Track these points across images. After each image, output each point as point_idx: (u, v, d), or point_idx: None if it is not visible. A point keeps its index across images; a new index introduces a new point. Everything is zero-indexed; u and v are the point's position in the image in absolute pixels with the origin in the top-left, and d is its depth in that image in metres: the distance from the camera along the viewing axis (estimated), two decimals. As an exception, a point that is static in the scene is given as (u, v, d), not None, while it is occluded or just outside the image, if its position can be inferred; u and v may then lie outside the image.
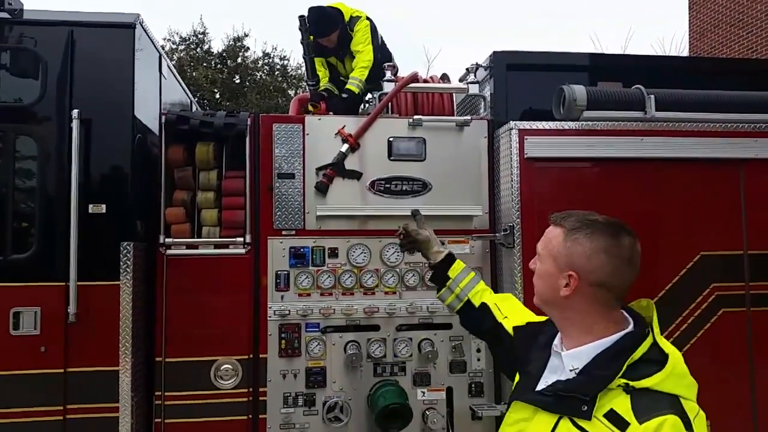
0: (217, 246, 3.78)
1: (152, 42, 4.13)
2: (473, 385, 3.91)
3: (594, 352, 1.65)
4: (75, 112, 3.50)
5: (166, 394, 3.68)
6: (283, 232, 3.85)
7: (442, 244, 2.93)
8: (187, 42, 22.95)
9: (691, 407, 1.54)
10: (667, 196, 3.93)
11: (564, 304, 1.72)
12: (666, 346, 1.65)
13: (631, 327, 1.68)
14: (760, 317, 3.95)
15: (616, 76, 4.21)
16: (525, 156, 3.82)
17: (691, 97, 4.01)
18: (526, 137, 3.83)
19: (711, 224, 3.96)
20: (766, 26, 12.77)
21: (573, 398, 1.59)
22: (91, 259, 3.50)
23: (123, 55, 3.66)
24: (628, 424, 1.51)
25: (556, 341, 1.79)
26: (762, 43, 12.85)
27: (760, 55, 12.77)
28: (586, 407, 1.57)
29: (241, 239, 3.78)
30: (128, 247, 3.54)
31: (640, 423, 1.49)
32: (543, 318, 2.00)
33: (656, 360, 1.59)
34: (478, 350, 3.93)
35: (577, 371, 1.65)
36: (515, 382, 1.94)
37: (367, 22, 4.86)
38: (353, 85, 4.65)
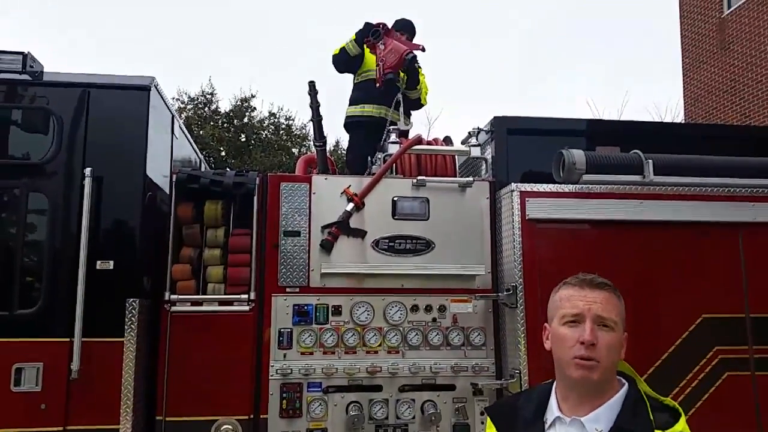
0: (221, 303, 3.80)
1: (165, 103, 4.27)
2: (476, 449, 3.85)
3: (611, 410, 1.68)
4: (88, 170, 3.58)
5: (166, 453, 3.62)
6: (288, 290, 3.87)
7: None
8: (196, 102, 23.48)
9: None
10: (668, 259, 3.97)
11: (615, 367, 1.73)
12: (655, 393, 1.74)
13: (625, 383, 1.74)
14: (765, 380, 3.92)
15: (614, 140, 4.32)
16: (527, 217, 3.88)
17: (689, 162, 4.11)
18: (527, 199, 3.91)
19: (712, 287, 3.98)
20: (759, 93, 13.11)
21: None
22: (96, 315, 3.52)
23: (137, 115, 3.78)
24: None
25: (555, 412, 1.75)
26: (755, 109, 13.15)
27: (754, 121, 13.06)
28: None
29: (246, 296, 3.80)
30: (134, 304, 3.56)
31: None
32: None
33: (662, 407, 1.69)
34: (482, 413, 3.88)
35: None
36: None
37: None
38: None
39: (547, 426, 1.75)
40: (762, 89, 12.98)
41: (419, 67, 5.36)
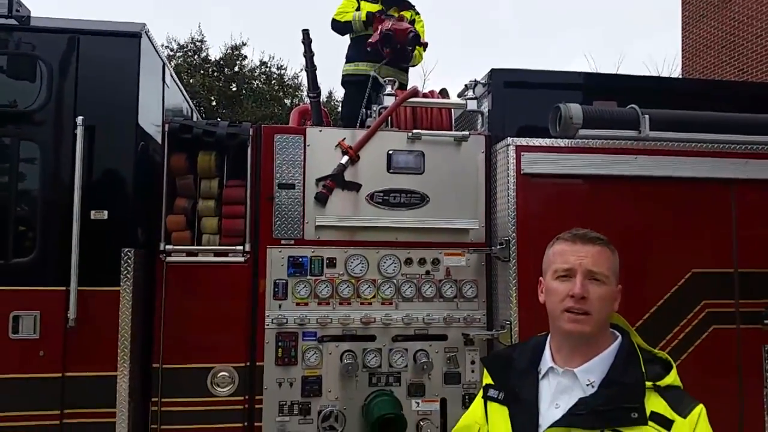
0: (216, 254, 3.82)
1: (156, 51, 4.19)
2: (467, 397, 3.95)
3: (604, 362, 1.73)
4: (79, 119, 3.53)
5: (163, 400, 3.70)
6: (282, 242, 3.89)
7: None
8: (185, 49, 23.06)
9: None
10: (660, 214, 4.01)
11: (608, 320, 1.79)
12: (648, 346, 1.80)
13: (618, 336, 1.80)
14: (749, 334, 4.02)
15: (612, 95, 4.28)
16: (521, 171, 3.89)
17: (685, 118, 4.10)
18: (522, 153, 3.90)
19: (702, 242, 4.03)
20: (757, 48, 12.98)
21: (619, 410, 1.63)
22: (91, 265, 3.52)
23: (128, 63, 3.71)
24: (672, 421, 1.62)
25: (548, 362, 1.80)
26: (753, 65, 13.05)
27: (751, 76, 12.97)
28: (637, 414, 1.62)
29: (241, 248, 3.82)
30: (129, 254, 3.57)
31: (685, 417, 1.62)
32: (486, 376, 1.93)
33: (655, 359, 1.75)
34: (473, 362, 3.98)
35: (595, 384, 1.71)
36: (499, 415, 1.82)
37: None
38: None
39: (540, 376, 1.80)
40: (761, 44, 12.85)
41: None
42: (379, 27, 4.99)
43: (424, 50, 5.44)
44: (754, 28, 13.06)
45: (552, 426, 1.69)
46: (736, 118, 4.15)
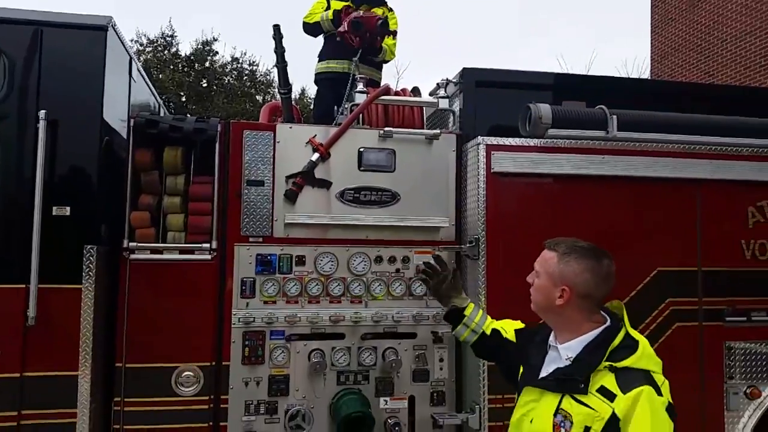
0: (182, 251, 3.75)
1: (123, 44, 4.09)
2: (435, 394, 3.95)
3: (581, 344, 2.15)
4: (42, 113, 3.43)
5: (126, 400, 3.62)
6: (251, 239, 3.84)
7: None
8: (155, 44, 22.70)
9: (659, 378, 2.06)
10: (627, 214, 4.06)
11: (558, 310, 2.22)
12: (636, 334, 2.18)
13: (608, 323, 2.19)
14: (711, 331, 4.10)
15: (581, 95, 4.33)
16: (492, 171, 3.90)
17: (652, 119, 4.16)
18: (493, 152, 3.92)
19: (668, 241, 4.10)
20: (723, 52, 13.27)
21: (571, 380, 2.07)
22: (53, 262, 3.43)
23: (94, 57, 3.61)
24: (614, 395, 1.99)
25: (551, 338, 2.29)
26: (719, 68, 13.35)
27: (717, 79, 13.26)
28: (583, 385, 2.04)
29: (207, 245, 3.76)
30: (92, 251, 3.49)
31: (624, 393, 1.97)
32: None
33: (629, 345, 2.10)
34: (441, 359, 3.98)
35: (571, 359, 2.14)
36: (521, 373, 2.40)
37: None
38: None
39: (548, 349, 2.30)
40: (727, 48, 13.15)
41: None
42: (347, 18, 5.00)
43: (395, 40, 5.44)
44: (720, 33, 13.36)
45: (532, 385, 2.23)
46: (702, 120, 4.22)
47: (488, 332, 2.97)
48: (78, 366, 3.44)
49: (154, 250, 3.72)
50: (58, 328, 3.45)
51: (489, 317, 3.08)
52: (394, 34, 5.25)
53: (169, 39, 22.81)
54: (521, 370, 2.41)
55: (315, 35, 5.59)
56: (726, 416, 4.06)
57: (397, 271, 3.98)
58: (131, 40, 21.81)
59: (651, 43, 15.91)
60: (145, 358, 3.66)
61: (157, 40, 22.69)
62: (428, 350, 3.97)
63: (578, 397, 2.03)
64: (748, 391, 4.09)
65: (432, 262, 3.43)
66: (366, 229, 3.96)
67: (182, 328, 3.71)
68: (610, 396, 1.99)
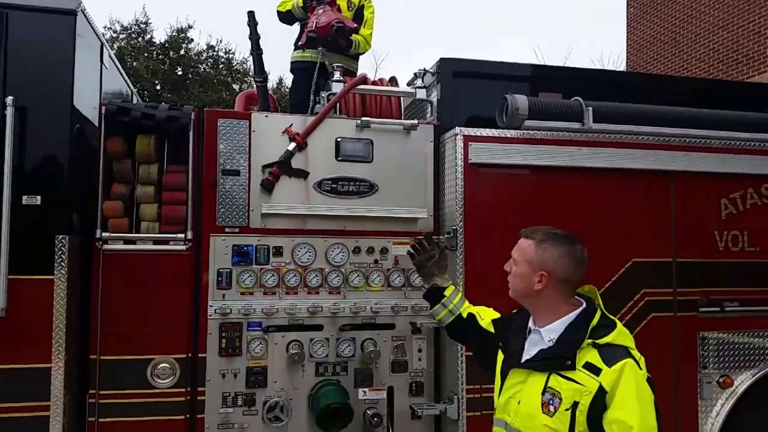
0: (156, 242, 3.69)
1: (94, 30, 3.99)
2: (414, 385, 3.96)
3: (563, 325, 2.24)
4: (9, 99, 3.33)
5: (101, 392, 3.57)
6: (227, 230, 3.79)
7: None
8: (129, 31, 22.27)
9: (636, 354, 2.16)
10: (602, 205, 4.09)
11: (537, 295, 2.30)
12: (610, 315, 2.28)
13: (584, 305, 2.29)
14: (686, 322, 4.16)
15: (557, 87, 4.34)
16: (469, 161, 3.90)
17: (627, 111, 4.18)
18: (470, 143, 3.92)
19: (643, 233, 4.14)
20: (697, 47, 13.43)
21: (558, 358, 2.16)
22: (23, 252, 3.35)
23: (62, 42, 3.52)
24: (600, 369, 2.08)
25: (530, 323, 2.37)
26: (693, 62, 13.51)
27: (691, 73, 13.42)
28: (570, 362, 2.13)
29: (182, 235, 3.70)
30: (63, 241, 3.41)
31: (609, 367, 2.07)
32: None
33: (607, 324, 2.22)
34: (420, 350, 3.99)
35: (553, 341, 2.22)
36: (500, 360, 2.46)
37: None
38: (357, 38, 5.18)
39: (527, 334, 2.37)
40: (701, 42, 13.30)
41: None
42: (311, 18, 4.95)
43: (370, 30, 5.39)
44: (694, 27, 13.51)
45: (517, 368, 2.29)
46: (676, 112, 4.26)
47: (465, 315, 3.08)
48: (51, 358, 3.37)
49: (127, 241, 3.66)
50: (29, 319, 3.38)
51: (467, 301, 3.19)
52: (354, 31, 5.16)
53: (143, 26, 22.40)
54: (501, 357, 2.48)
55: (290, 23, 5.52)
56: (699, 404, 4.14)
57: (376, 262, 3.96)
58: (104, 27, 21.37)
59: (627, 36, 16.03)
60: (120, 349, 3.60)
61: (130, 27, 22.28)
62: (407, 341, 3.97)
63: (565, 374, 2.13)
64: (721, 380, 4.18)
65: (423, 241, 3.53)
66: (344, 220, 3.94)
67: (157, 319, 3.66)
68: (595, 370, 2.08)
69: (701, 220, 4.27)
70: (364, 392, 3.84)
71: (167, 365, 3.64)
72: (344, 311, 3.89)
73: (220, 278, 3.75)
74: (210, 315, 3.72)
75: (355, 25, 5.12)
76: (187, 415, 3.67)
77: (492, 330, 2.81)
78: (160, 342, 3.66)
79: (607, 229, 4.08)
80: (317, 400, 3.70)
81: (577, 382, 2.10)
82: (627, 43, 16.02)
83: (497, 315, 2.92)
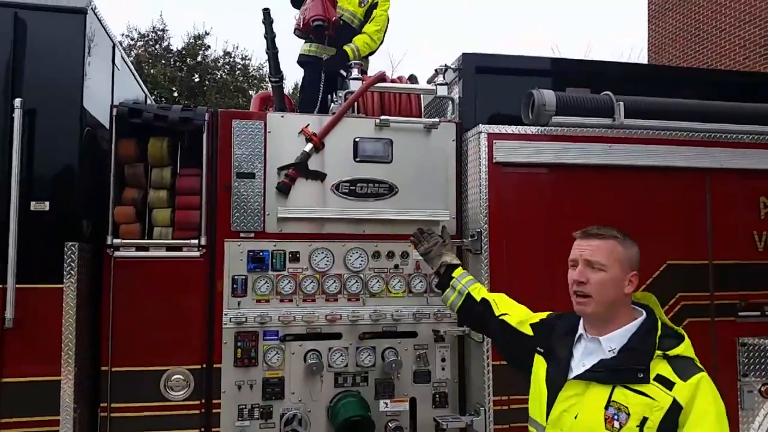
0: (169, 248, 3.57)
1: (105, 30, 3.89)
2: (437, 396, 3.79)
3: (627, 334, 2.07)
4: (18, 101, 3.24)
5: (112, 405, 3.45)
6: (242, 235, 3.66)
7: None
8: (146, 38, 22.42)
9: (702, 367, 2.01)
10: (634, 205, 3.90)
11: (621, 301, 2.10)
12: (669, 323, 2.12)
13: (645, 314, 2.12)
14: (723, 327, 3.95)
15: (585, 82, 4.17)
16: (493, 160, 3.74)
17: (660, 106, 4.00)
18: (494, 141, 3.75)
19: (677, 233, 3.94)
20: (721, 42, 13.12)
21: (629, 370, 1.99)
22: (31, 261, 3.25)
23: (72, 41, 3.42)
24: (673, 383, 1.93)
25: (582, 330, 2.19)
26: (717, 58, 13.19)
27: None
28: (642, 374, 1.97)
29: (196, 241, 3.57)
30: (73, 248, 3.30)
31: (685, 381, 1.92)
32: (543, 314, 2.50)
33: (673, 334, 2.07)
34: (443, 359, 3.82)
35: (615, 350, 2.05)
36: (542, 366, 2.28)
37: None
38: (350, 47, 4.89)
39: (575, 341, 2.19)
40: (725, 38, 12.99)
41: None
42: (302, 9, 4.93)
43: (377, 27, 5.16)
44: (718, 22, 13.20)
45: (575, 378, 2.10)
46: (711, 106, 4.06)
47: (477, 298, 2.83)
48: (60, 370, 3.25)
49: (139, 247, 3.54)
50: (38, 330, 3.27)
51: (481, 286, 2.94)
52: (373, 20, 5.03)
53: (161, 33, 22.53)
54: (540, 362, 2.30)
55: (298, 7, 5.35)
56: (741, 415, 3.92)
57: (396, 267, 3.80)
58: (122, 35, 21.53)
59: (648, 34, 15.72)
60: (132, 361, 3.48)
61: (148, 35, 22.42)
62: (429, 349, 3.80)
63: (634, 386, 1.97)
64: (763, 389, 3.96)
65: (423, 228, 3.36)
66: (363, 223, 3.79)
67: (171, 329, 3.53)
68: (668, 384, 1.93)
69: (739, 219, 4.05)
70: (386, 404, 3.68)
71: (181, 377, 3.51)
72: (364, 319, 3.73)
73: (235, 285, 3.62)
74: (225, 324, 3.59)
75: (335, 17, 4.93)
76: (202, 429, 3.54)
77: (527, 332, 2.51)
78: (173, 352, 3.53)
79: (639, 231, 3.74)
80: (337, 412, 3.54)
81: (648, 396, 1.94)
82: (648, 40, 15.73)
83: (525, 311, 2.63)
